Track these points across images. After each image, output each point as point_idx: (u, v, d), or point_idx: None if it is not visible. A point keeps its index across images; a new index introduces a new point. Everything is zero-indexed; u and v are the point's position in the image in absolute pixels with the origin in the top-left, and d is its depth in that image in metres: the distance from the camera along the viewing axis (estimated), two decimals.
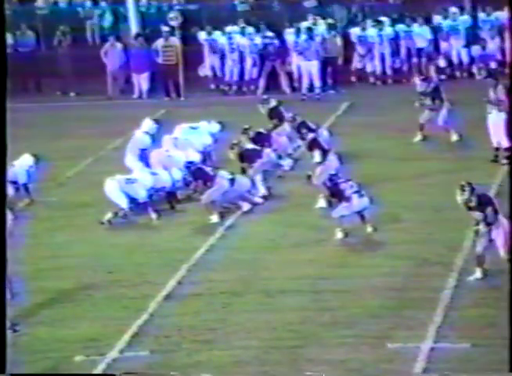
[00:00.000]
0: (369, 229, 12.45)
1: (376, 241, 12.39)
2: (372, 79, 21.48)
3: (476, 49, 21.29)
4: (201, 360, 9.57)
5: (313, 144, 14.29)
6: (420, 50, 21.18)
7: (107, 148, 17.33)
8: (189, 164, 13.99)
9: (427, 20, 21.43)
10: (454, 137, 16.38)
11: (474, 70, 21.16)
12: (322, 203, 13.41)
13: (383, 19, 21.55)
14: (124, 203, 13.47)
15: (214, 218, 13.36)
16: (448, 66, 21.32)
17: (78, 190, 15.18)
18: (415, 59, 21.20)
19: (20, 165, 14.44)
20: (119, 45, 21.87)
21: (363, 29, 21.50)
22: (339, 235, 12.43)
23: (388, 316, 10.20)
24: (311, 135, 14.51)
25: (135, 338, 10.06)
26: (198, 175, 13.68)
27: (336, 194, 12.59)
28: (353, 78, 21.33)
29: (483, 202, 10.96)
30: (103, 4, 23.31)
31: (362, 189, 12.54)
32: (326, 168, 13.70)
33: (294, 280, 11.34)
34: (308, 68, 20.83)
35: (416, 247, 12.08)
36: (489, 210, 10.87)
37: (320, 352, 9.63)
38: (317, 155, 14.06)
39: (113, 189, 13.51)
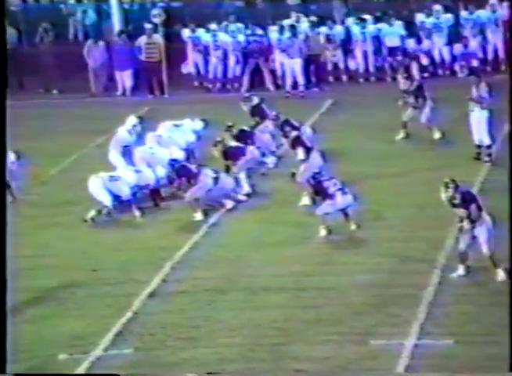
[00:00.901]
0: (353, 226, 12.49)
1: (359, 239, 12.43)
2: (356, 77, 21.54)
3: (458, 47, 21.37)
4: (185, 358, 9.58)
5: (296, 142, 14.32)
6: (395, 48, 21.23)
7: (90, 146, 17.28)
8: (172, 162, 13.98)
9: (407, 18, 21.49)
10: (437, 135, 16.44)
11: (457, 68, 21.25)
12: (305, 200, 13.45)
13: (366, 16, 21.60)
14: (107, 200, 13.45)
15: (198, 215, 13.37)
16: (431, 64, 21.39)
17: (62, 188, 15.14)
18: (398, 58, 21.24)
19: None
20: (101, 43, 21.80)
21: (346, 27, 21.55)
22: (323, 232, 12.46)
23: (372, 313, 10.24)
24: (294, 133, 14.54)
25: (119, 336, 10.05)
26: (182, 172, 13.67)
27: (319, 192, 12.63)
28: (343, 78, 21.37)
29: (467, 199, 11.03)
30: (86, 1, 23.21)
31: (346, 187, 12.59)
32: (310, 166, 13.73)
33: (278, 278, 11.36)
34: (291, 66, 20.85)
35: (400, 245, 12.12)
36: (473, 207, 10.92)
37: (304, 349, 9.66)
38: (300, 153, 14.09)
39: (97, 186, 13.49)
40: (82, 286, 11.23)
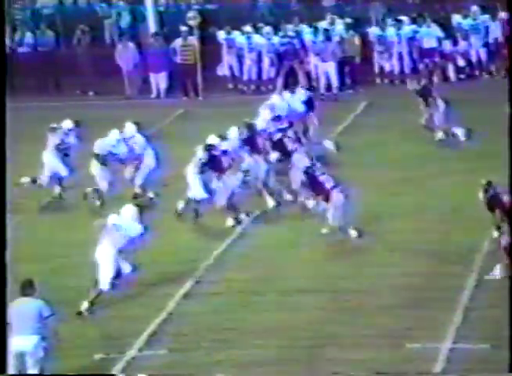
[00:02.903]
0: (353, 232, 12.17)
1: (393, 241, 12.35)
2: (391, 78, 21.41)
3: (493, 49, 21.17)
4: (220, 359, 9.57)
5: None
6: (432, 49, 21.07)
7: None
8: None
9: (443, 19, 21.31)
10: (439, 135, 16.17)
11: (493, 69, 21.03)
12: (310, 203, 13.26)
13: (402, 18, 21.48)
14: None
15: (229, 221, 13.25)
16: (468, 66, 21.21)
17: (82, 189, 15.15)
18: (431, 59, 21.09)
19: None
20: (131, 45, 21.91)
21: (382, 29, 21.44)
22: (324, 230, 12.30)
23: (407, 315, 10.16)
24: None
25: (153, 336, 10.08)
26: None
27: (315, 187, 12.46)
28: (378, 80, 21.25)
29: (492, 203, 10.90)
30: (121, 3, 23.35)
31: (339, 184, 12.39)
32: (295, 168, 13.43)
33: (313, 280, 11.33)
34: (325, 69, 20.80)
35: (435, 247, 12.03)
36: (497, 212, 10.78)
37: (339, 351, 9.61)
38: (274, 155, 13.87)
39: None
40: (117, 286, 11.27)
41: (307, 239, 12.67)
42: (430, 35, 21.17)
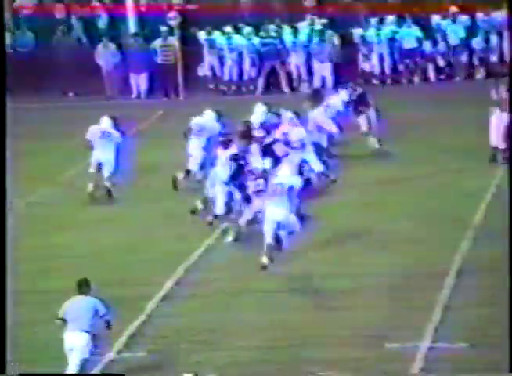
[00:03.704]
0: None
1: (375, 242, 12.38)
2: (372, 79, 21.47)
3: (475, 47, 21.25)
4: (200, 361, 9.56)
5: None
6: (412, 50, 21.13)
7: None
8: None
9: (423, 20, 21.39)
10: (376, 145, 15.73)
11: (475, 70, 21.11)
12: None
13: (385, 18, 21.53)
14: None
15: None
16: (448, 66, 21.30)
17: (76, 189, 15.17)
18: (415, 60, 21.16)
19: None
20: (112, 46, 21.85)
21: (363, 29, 21.51)
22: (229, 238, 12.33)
23: (386, 315, 10.18)
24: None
25: (132, 338, 10.05)
26: None
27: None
28: (359, 80, 21.28)
29: None
30: (101, 4, 23.25)
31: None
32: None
33: (294, 279, 11.33)
34: (321, 70, 20.81)
35: (415, 248, 12.06)
36: None
37: (319, 351, 9.62)
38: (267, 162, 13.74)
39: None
40: (96, 288, 11.23)
41: (287, 239, 12.66)
42: (410, 36, 21.24)
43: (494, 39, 20.98)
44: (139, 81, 21.86)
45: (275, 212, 11.54)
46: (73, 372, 8.99)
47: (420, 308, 10.35)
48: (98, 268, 11.89)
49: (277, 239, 11.69)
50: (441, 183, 14.28)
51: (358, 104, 15.94)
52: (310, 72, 21.55)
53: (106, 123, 15.09)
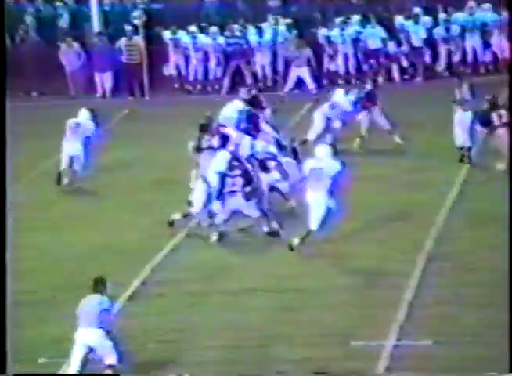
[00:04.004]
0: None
1: (339, 241, 12.45)
2: (336, 79, 21.58)
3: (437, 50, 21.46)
4: (166, 361, 9.57)
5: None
6: (377, 50, 21.28)
7: None
8: None
9: (387, 20, 21.55)
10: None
11: (438, 69, 21.33)
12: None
13: (345, 19, 21.65)
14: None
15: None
16: (411, 66, 21.48)
17: (41, 191, 15.08)
18: (379, 60, 21.31)
19: None
20: (76, 45, 21.72)
21: (328, 29, 21.61)
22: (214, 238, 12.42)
23: (352, 314, 10.27)
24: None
25: None
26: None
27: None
28: (324, 81, 21.38)
29: None
30: (64, 3, 23.09)
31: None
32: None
33: (259, 280, 11.36)
34: (298, 74, 20.84)
35: (380, 245, 12.16)
36: None
37: (285, 350, 9.67)
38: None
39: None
40: (62, 290, 11.18)
41: (252, 239, 12.72)
42: (374, 36, 21.39)
43: (453, 41, 21.19)
44: (104, 80, 21.77)
45: (315, 197, 11.81)
46: (77, 371, 9.15)
47: (385, 306, 10.44)
48: (63, 270, 11.83)
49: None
50: (404, 182, 14.41)
51: (365, 101, 16.05)
52: (275, 72, 21.61)
53: (83, 115, 15.11)
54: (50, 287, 11.29)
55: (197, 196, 12.78)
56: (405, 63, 21.29)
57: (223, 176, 12.65)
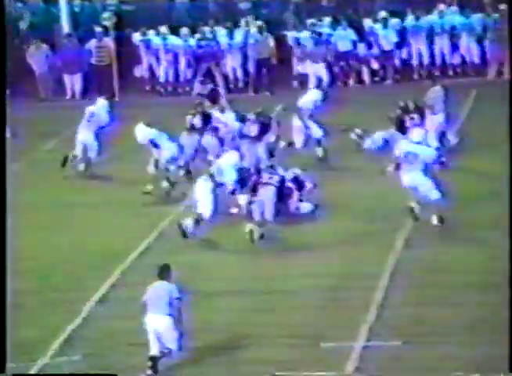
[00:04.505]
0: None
1: (309, 242, 12.49)
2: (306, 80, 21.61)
3: (407, 52, 21.57)
4: (136, 364, 9.53)
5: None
6: (347, 53, 21.35)
7: (42, 149, 17.11)
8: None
9: (357, 23, 21.63)
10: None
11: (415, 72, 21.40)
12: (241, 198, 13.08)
13: (316, 21, 21.71)
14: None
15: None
16: (381, 69, 21.57)
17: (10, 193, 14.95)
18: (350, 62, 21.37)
19: None
20: (44, 46, 21.57)
21: (298, 31, 21.65)
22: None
23: (322, 315, 10.29)
24: None
25: (67, 342, 9.96)
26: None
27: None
28: (295, 83, 21.40)
29: None
30: (33, 3, 22.92)
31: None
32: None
33: (230, 281, 11.37)
34: (315, 70, 20.57)
35: (349, 248, 12.20)
36: None
37: (256, 352, 9.68)
38: None
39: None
40: (32, 292, 11.10)
41: (225, 241, 12.71)
42: (345, 38, 21.46)
43: (422, 44, 21.30)
44: (74, 82, 21.64)
45: (413, 179, 12.31)
46: (157, 351, 9.33)
47: (355, 307, 10.48)
48: (33, 272, 11.75)
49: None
50: (374, 183, 14.46)
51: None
52: (246, 74, 21.62)
53: (100, 104, 15.35)
54: (21, 290, 11.17)
55: (203, 196, 12.43)
56: (375, 66, 21.37)
57: (246, 170, 12.75)
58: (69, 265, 11.99)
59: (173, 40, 21.63)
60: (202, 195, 12.50)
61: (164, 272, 9.61)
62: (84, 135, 15.22)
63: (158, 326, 9.45)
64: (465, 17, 21.17)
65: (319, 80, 19.95)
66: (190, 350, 9.67)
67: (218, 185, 12.50)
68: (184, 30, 21.63)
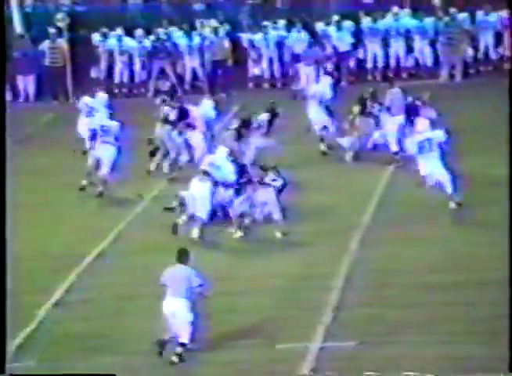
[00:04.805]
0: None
1: (265, 244, 12.51)
2: (261, 83, 21.67)
3: (362, 54, 21.74)
4: (91, 367, 9.46)
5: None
6: (298, 55, 21.44)
7: None
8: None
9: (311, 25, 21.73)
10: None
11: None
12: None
13: (268, 23, 21.78)
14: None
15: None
16: (336, 71, 21.71)
17: None
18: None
19: None
20: None
21: (252, 33, 21.69)
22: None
23: (278, 317, 10.32)
24: None
25: (22, 347, 9.86)
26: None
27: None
28: (250, 85, 21.42)
29: None
30: None
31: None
32: None
33: None
34: (307, 72, 20.58)
35: (305, 250, 12.26)
36: None
37: (210, 354, 9.67)
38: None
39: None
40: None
41: (180, 242, 12.68)
42: (299, 41, 21.54)
43: (378, 46, 21.48)
44: (27, 84, 21.42)
45: (430, 166, 12.65)
46: (175, 335, 9.42)
47: (310, 308, 10.52)
48: None
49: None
50: (331, 185, 14.55)
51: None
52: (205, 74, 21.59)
53: (99, 98, 15.59)
54: None
55: (201, 197, 12.36)
56: (329, 67, 21.47)
57: (242, 166, 12.72)
58: (23, 269, 11.86)
59: (128, 41, 21.54)
60: (199, 195, 12.45)
61: (182, 257, 9.72)
62: (83, 129, 15.22)
63: (175, 308, 9.52)
64: (419, 20, 21.40)
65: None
66: (145, 353, 9.63)
67: (215, 183, 12.47)
68: (138, 32, 21.54)
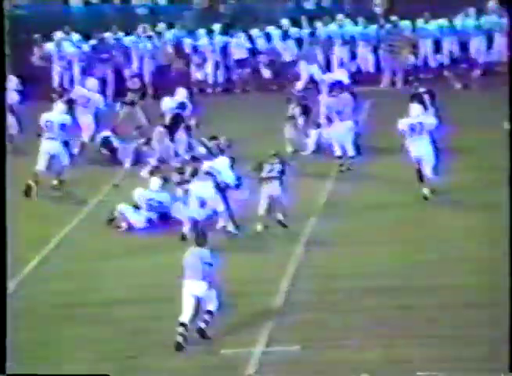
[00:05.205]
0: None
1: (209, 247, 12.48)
2: (204, 88, 21.65)
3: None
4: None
5: None
6: (244, 60, 21.46)
7: None
8: None
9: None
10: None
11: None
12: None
13: (214, 27, 21.79)
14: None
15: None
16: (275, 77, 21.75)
17: None
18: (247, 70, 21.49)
19: None
20: None
21: (196, 38, 21.65)
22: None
23: (222, 322, 10.31)
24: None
25: None
26: None
27: None
28: (194, 89, 21.41)
29: None
30: None
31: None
32: None
33: (129, 289, 11.28)
34: (309, 70, 20.44)
35: (250, 254, 12.27)
36: None
37: (155, 361, 9.63)
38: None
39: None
40: None
41: (123, 249, 12.60)
42: (240, 46, 21.57)
43: (321, 53, 21.62)
44: None
45: (418, 150, 13.17)
46: (188, 319, 9.65)
47: (254, 313, 10.55)
48: None
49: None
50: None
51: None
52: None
53: (91, 85, 16.19)
54: None
55: (210, 195, 12.45)
56: (267, 74, 21.48)
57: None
58: None
59: (66, 46, 21.32)
60: (208, 194, 12.52)
61: (200, 239, 9.90)
62: (83, 121, 15.45)
63: (196, 291, 9.72)
64: (363, 27, 21.61)
65: (313, 81, 19.86)
66: (88, 362, 9.52)
67: (218, 184, 12.52)
68: (77, 36, 21.36)
